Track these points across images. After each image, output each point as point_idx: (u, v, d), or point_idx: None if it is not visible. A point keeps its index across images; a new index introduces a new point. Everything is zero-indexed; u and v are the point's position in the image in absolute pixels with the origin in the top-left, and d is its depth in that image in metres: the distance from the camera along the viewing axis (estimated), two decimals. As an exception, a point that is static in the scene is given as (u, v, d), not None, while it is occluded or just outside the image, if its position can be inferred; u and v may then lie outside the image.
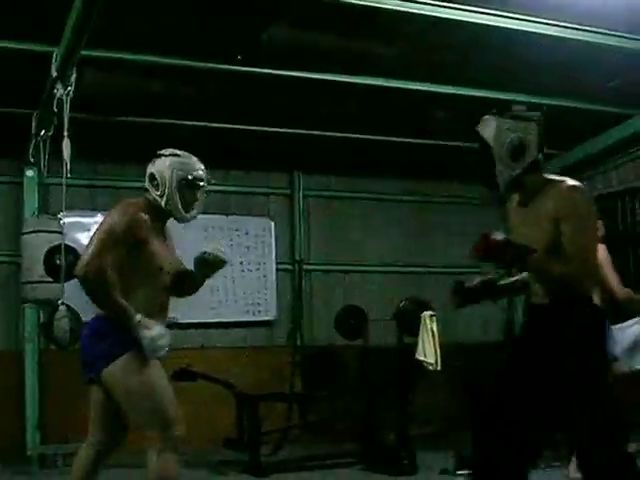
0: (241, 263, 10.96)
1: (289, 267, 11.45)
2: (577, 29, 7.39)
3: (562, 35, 7.39)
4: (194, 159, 4.69)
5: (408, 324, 8.84)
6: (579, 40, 7.45)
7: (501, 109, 3.93)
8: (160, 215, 4.59)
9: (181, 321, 10.13)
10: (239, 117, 9.36)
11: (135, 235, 4.33)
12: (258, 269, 11.00)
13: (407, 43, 7.78)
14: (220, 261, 4.69)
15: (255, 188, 11.37)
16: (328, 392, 10.29)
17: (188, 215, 4.64)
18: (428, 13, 6.91)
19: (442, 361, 8.61)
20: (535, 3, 7.04)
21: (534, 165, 3.89)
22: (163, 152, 4.66)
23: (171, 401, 4.35)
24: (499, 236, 3.71)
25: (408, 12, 6.85)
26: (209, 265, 4.68)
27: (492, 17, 7.08)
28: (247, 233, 11.15)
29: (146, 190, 4.62)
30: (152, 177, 4.58)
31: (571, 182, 3.86)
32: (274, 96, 8.86)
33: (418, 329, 8.62)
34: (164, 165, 4.56)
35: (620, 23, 7.35)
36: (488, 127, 3.84)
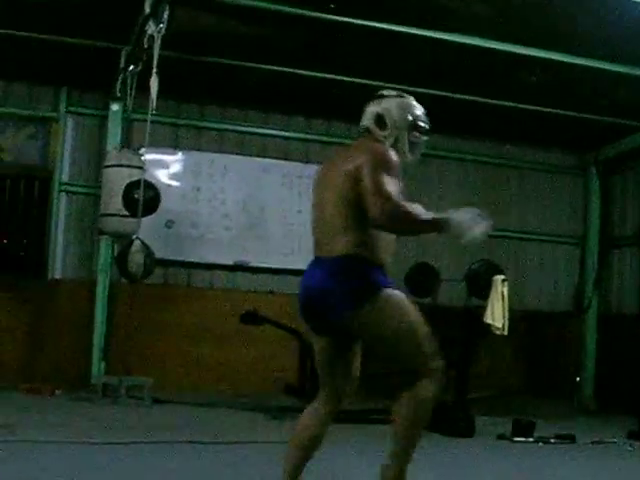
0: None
1: (363, 220, 11.39)
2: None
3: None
4: (415, 101, 4.53)
5: (479, 286, 8.76)
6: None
7: None
8: None
9: (253, 265, 10.36)
10: (325, 65, 9.28)
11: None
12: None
13: (504, 3, 7.63)
14: (477, 238, 4.22)
15: (335, 138, 11.27)
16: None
17: (412, 158, 4.48)
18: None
19: (509, 326, 8.58)
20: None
21: None
22: (386, 93, 4.48)
23: (429, 334, 4.27)
24: None
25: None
26: (464, 231, 4.24)
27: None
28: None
29: (367, 131, 4.40)
30: (379, 117, 4.36)
31: None
32: (359, 47, 8.76)
33: (488, 292, 8.55)
34: (392, 105, 4.39)
35: None
36: None
